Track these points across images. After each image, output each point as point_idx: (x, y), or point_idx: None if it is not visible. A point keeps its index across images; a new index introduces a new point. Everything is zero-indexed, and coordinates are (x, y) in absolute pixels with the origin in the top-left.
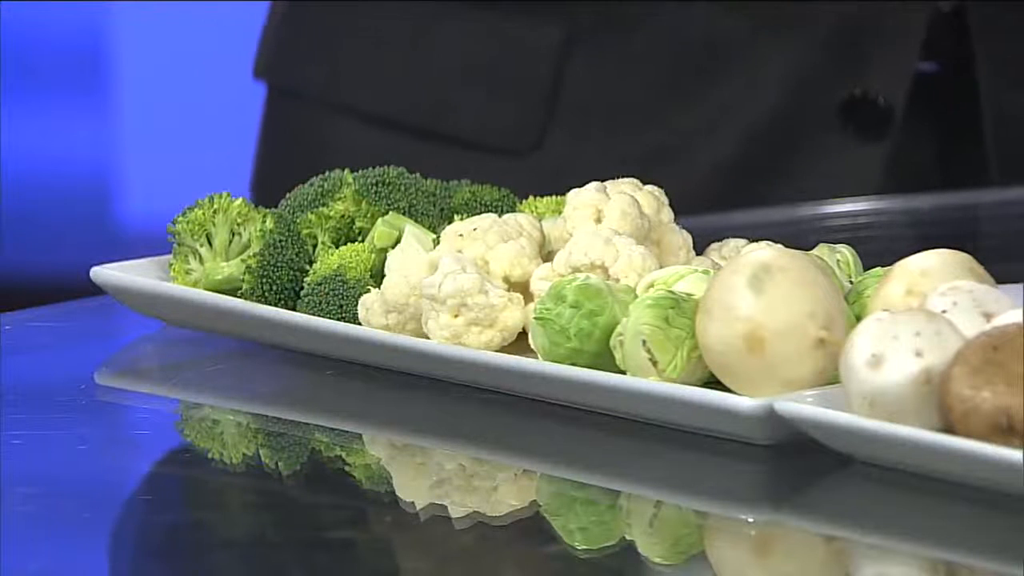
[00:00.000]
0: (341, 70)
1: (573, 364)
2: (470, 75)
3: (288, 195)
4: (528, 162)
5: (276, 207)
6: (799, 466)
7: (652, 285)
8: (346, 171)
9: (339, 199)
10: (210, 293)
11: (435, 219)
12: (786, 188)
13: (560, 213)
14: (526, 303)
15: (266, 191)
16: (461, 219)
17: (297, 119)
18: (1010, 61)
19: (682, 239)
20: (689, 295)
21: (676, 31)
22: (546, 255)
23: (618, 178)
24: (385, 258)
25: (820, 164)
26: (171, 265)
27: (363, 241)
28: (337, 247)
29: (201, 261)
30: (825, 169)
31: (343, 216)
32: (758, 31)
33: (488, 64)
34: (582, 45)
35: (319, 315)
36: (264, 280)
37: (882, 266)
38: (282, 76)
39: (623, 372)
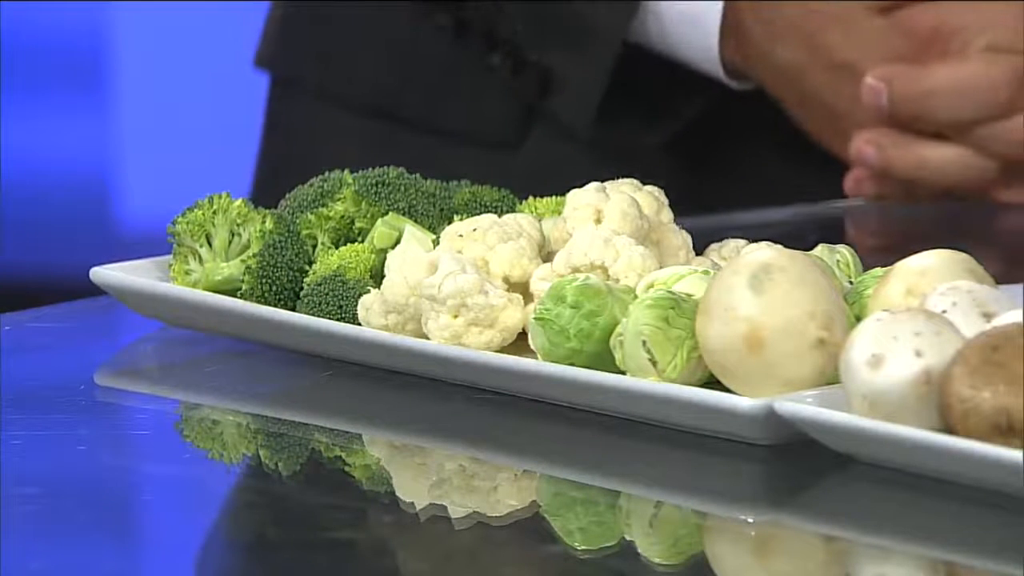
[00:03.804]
0: (335, 61)
1: (573, 364)
2: (460, 70)
3: (288, 195)
4: (520, 155)
5: (282, 198)
6: (799, 466)
7: (652, 285)
8: (346, 171)
9: (339, 199)
10: (210, 293)
11: (435, 219)
12: (770, 177)
13: (560, 213)
14: (526, 303)
15: (270, 181)
16: (461, 219)
17: (295, 109)
18: None
19: (682, 239)
20: (689, 295)
21: None
22: (546, 255)
23: (605, 172)
24: (385, 258)
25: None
26: (171, 266)
27: (363, 241)
28: (337, 247)
29: (201, 261)
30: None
31: (343, 216)
32: None
33: (477, 59)
34: None
35: (319, 315)
36: (264, 280)
37: (882, 266)
38: (280, 67)
39: (623, 372)
